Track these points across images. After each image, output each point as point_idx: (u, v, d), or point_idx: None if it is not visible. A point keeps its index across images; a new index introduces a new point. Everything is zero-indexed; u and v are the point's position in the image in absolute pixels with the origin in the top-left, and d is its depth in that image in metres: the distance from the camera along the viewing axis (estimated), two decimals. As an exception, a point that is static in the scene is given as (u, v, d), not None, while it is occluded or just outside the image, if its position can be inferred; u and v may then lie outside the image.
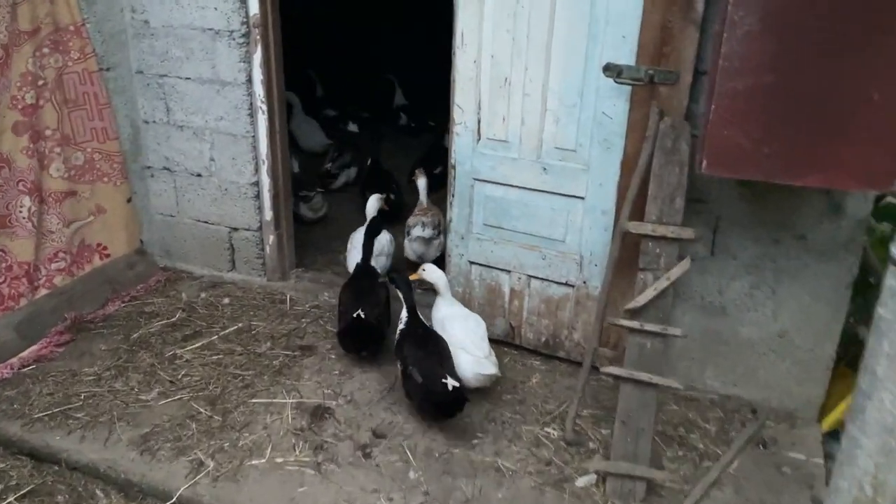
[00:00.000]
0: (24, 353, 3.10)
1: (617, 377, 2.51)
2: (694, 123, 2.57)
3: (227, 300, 3.64)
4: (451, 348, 2.80)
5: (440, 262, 3.38)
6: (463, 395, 2.60)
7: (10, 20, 3.08)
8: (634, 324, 2.49)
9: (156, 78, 3.65)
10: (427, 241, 3.85)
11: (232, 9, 3.35)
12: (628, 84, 2.62)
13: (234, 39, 3.40)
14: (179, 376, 3.00)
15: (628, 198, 2.59)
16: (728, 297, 2.87)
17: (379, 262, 3.57)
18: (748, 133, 2.15)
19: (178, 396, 2.88)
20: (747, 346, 2.89)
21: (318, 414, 2.80)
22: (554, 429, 2.75)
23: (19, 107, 3.18)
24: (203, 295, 3.69)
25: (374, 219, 3.62)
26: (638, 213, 2.56)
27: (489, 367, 2.79)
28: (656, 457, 2.59)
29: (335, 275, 3.95)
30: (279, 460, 2.55)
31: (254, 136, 3.56)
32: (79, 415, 2.75)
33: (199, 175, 3.77)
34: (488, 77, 2.91)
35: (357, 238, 3.76)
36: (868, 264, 2.86)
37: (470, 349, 2.82)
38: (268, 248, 3.78)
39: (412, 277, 3.17)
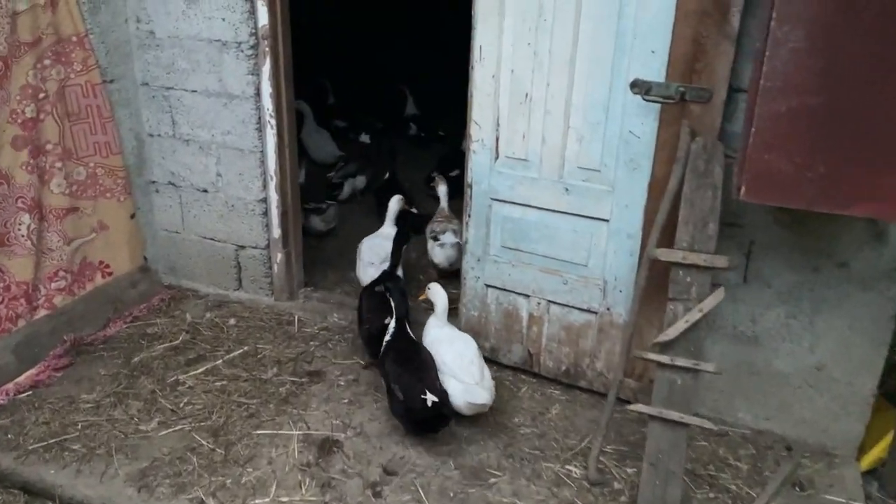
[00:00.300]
0: (21, 379, 2.97)
1: (645, 415, 2.36)
2: (728, 144, 2.41)
3: (232, 321, 3.50)
4: (441, 376, 2.69)
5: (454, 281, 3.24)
6: (444, 411, 2.55)
7: (10, 31, 2.96)
8: (664, 358, 2.33)
9: (161, 90, 3.53)
10: (460, 248, 3.71)
11: (240, 19, 3.22)
12: (657, 102, 2.47)
13: (242, 51, 3.27)
14: (181, 404, 2.86)
15: (657, 222, 2.43)
16: (762, 327, 2.70)
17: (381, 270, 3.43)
18: (791, 158, 1.99)
19: (180, 427, 2.74)
20: (781, 378, 2.73)
21: (326, 447, 2.65)
22: (576, 466, 2.59)
23: (19, 121, 3.05)
24: (208, 315, 3.56)
25: (403, 226, 3.62)
26: (667, 239, 2.41)
27: (480, 395, 2.62)
28: (686, 499, 2.42)
29: (345, 294, 3.81)
30: (284, 499, 2.40)
31: (262, 152, 3.43)
32: (75, 446, 2.62)
33: (205, 190, 3.64)
34: (508, 93, 2.77)
35: (366, 246, 3.71)
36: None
37: (459, 375, 2.67)
38: (276, 267, 3.64)
39: (420, 297, 3.11)
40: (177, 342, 3.30)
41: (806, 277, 2.59)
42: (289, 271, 3.67)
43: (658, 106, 2.51)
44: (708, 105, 2.42)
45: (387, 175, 4.94)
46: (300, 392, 2.97)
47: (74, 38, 3.21)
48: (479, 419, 2.78)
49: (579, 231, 2.80)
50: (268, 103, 3.33)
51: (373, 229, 3.87)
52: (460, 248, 3.76)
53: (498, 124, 2.83)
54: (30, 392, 2.93)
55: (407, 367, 2.66)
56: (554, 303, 2.94)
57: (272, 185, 3.48)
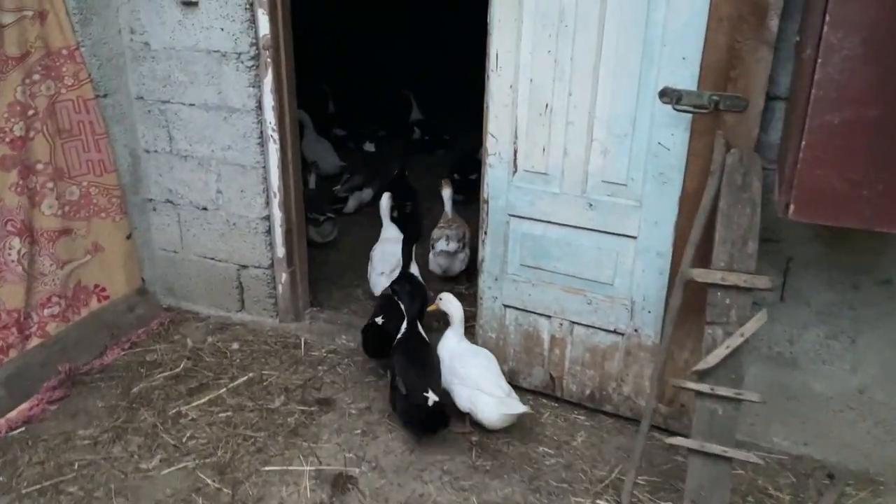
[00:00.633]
0: (13, 414, 2.79)
1: (684, 448, 2.20)
2: (763, 155, 2.26)
3: (235, 345, 3.33)
4: (467, 391, 2.67)
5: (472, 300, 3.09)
6: (444, 412, 2.58)
7: (-3, 45, 2.79)
8: (704, 387, 2.17)
9: (157, 104, 3.36)
10: (451, 255, 3.76)
11: (240, 29, 3.05)
12: (689, 111, 2.32)
13: (242, 62, 3.11)
14: (184, 439, 2.69)
15: (690, 240, 2.28)
16: (800, 348, 2.56)
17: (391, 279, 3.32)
18: (845, 174, 1.84)
19: (183, 464, 2.57)
20: (821, 401, 2.58)
21: (340, 484, 2.49)
22: (607, 500, 2.43)
23: (7, 140, 2.88)
24: (210, 339, 3.39)
25: (408, 226, 3.58)
26: (701, 258, 2.26)
27: (516, 406, 2.60)
28: (727, 535, 2.27)
29: (352, 313, 3.65)
30: (298, 545, 2.24)
31: (264, 167, 3.27)
32: (72, 489, 2.44)
33: (204, 208, 3.47)
34: (526, 103, 2.61)
35: (377, 253, 3.64)
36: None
37: (489, 389, 2.61)
38: (280, 288, 3.47)
39: (430, 309, 3.01)
40: (178, 370, 3.13)
41: (846, 295, 2.45)
42: (294, 291, 3.50)
43: (689, 116, 2.36)
44: (744, 114, 2.27)
45: (395, 171, 4.84)
46: (310, 422, 2.80)
47: (65, 52, 3.04)
48: (502, 449, 2.63)
49: (604, 248, 2.65)
50: (270, 117, 3.17)
51: (375, 241, 3.79)
52: (456, 255, 3.69)
53: (516, 136, 2.68)
54: (22, 428, 2.76)
55: (414, 364, 2.70)
56: (577, 324, 2.79)
57: (276, 201, 3.31)
